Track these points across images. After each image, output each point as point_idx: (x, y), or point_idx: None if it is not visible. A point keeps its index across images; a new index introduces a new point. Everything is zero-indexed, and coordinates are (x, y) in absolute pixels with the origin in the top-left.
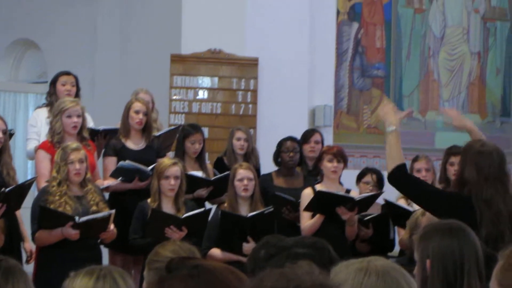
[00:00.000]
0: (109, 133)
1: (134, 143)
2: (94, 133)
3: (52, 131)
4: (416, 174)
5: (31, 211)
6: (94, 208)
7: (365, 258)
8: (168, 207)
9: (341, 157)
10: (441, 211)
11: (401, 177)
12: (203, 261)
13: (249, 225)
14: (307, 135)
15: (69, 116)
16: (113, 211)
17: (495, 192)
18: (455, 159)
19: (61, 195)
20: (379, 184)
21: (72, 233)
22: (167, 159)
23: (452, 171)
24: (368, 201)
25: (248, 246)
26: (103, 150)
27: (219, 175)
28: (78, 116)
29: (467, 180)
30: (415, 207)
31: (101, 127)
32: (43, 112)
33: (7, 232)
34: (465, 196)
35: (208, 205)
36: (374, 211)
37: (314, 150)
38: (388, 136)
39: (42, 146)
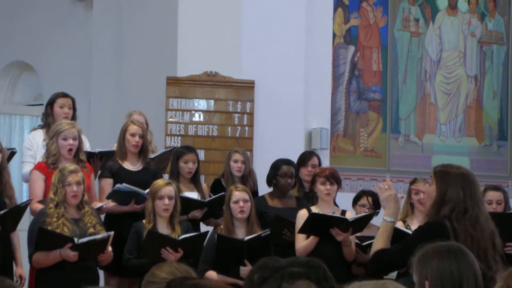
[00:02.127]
0: (105, 156)
1: (131, 164)
2: (90, 155)
3: (47, 153)
4: (414, 196)
5: (28, 233)
6: (91, 230)
7: (379, 281)
8: (163, 228)
9: (333, 179)
10: None
11: (382, 256)
12: (202, 281)
13: (246, 249)
14: (305, 158)
15: (65, 139)
16: (112, 233)
17: (479, 212)
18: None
19: (58, 217)
20: (375, 206)
21: (71, 254)
22: (161, 180)
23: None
24: (362, 222)
25: (245, 270)
26: (99, 172)
27: (213, 197)
28: (74, 138)
29: (450, 199)
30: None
31: (96, 150)
32: (39, 135)
33: (1, 254)
34: (435, 224)
35: (204, 227)
36: (372, 233)
37: (311, 174)
38: (386, 224)
39: (37, 167)
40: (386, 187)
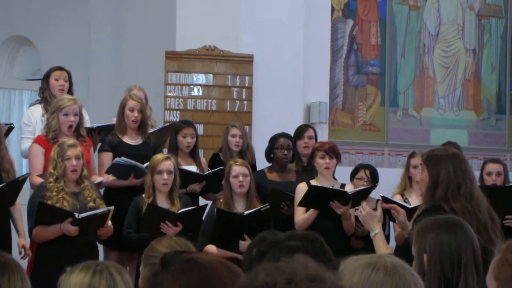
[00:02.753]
0: (103, 130)
1: (131, 139)
2: (88, 131)
3: (48, 127)
4: (412, 170)
5: (28, 207)
6: (91, 204)
7: (376, 254)
8: (162, 202)
9: (333, 153)
10: None
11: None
12: (196, 255)
13: (245, 223)
14: (300, 131)
15: (66, 115)
16: (112, 207)
17: (472, 186)
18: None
19: (58, 191)
20: (373, 179)
21: (71, 229)
22: (160, 154)
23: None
24: (362, 195)
25: (245, 244)
26: (98, 146)
27: (212, 170)
28: (75, 114)
29: (443, 180)
30: (412, 203)
31: (94, 125)
32: (38, 109)
33: (4, 228)
34: (432, 211)
35: (203, 201)
36: (371, 206)
37: (308, 146)
38: (374, 240)
39: (36, 141)
40: (362, 209)
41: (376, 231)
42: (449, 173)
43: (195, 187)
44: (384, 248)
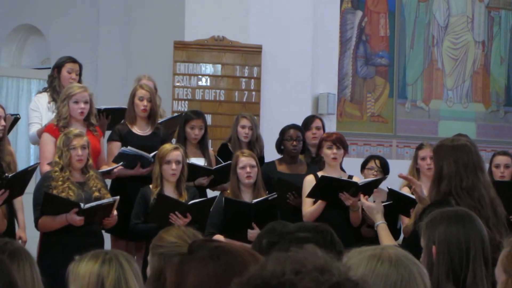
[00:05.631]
0: (112, 113)
1: (140, 129)
2: (98, 112)
3: (58, 116)
4: (420, 162)
5: (34, 197)
6: (96, 194)
7: (379, 245)
8: (170, 193)
9: (340, 143)
10: None
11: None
12: (224, 243)
13: (253, 212)
14: (308, 122)
15: (76, 102)
16: (118, 197)
17: (476, 179)
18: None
19: (64, 181)
20: (383, 169)
21: (77, 219)
22: (168, 145)
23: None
24: (371, 186)
25: (253, 233)
26: (108, 135)
27: (220, 165)
28: (86, 102)
29: (446, 174)
30: None
31: (102, 107)
32: (44, 97)
33: (9, 217)
34: (439, 205)
35: (210, 193)
36: (380, 197)
37: (315, 137)
38: (377, 230)
39: (47, 130)
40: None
41: (378, 222)
42: (451, 167)
43: (203, 180)
44: (387, 238)
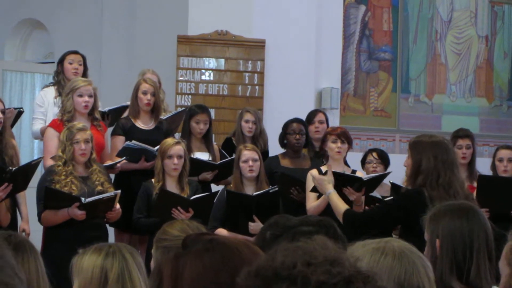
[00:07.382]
0: (113, 112)
1: (143, 123)
2: (102, 115)
3: (62, 110)
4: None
5: (37, 191)
6: (99, 188)
7: (383, 238)
8: (172, 187)
9: (345, 137)
10: (401, 221)
11: (354, 219)
12: (218, 236)
13: (254, 204)
14: (311, 116)
15: (81, 95)
16: (119, 191)
17: (452, 175)
18: (462, 142)
19: (67, 175)
20: (383, 161)
21: (79, 213)
22: (170, 139)
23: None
24: (376, 181)
25: (254, 226)
26: (112, 129)
27: (224, 160)
28: (90, 96)
29: (424, 169)
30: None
31: (106, 109)
32: (51, 92)
33: (12, 211)
34: (414, 192)
35: (214, 187)
36: (382, 191)
37: (319, 131)
38: (330, 199)
39: (51, 125)
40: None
41: (330, 190)
42: (429, 162)
43: (207, 175)
44: (341, 203)
